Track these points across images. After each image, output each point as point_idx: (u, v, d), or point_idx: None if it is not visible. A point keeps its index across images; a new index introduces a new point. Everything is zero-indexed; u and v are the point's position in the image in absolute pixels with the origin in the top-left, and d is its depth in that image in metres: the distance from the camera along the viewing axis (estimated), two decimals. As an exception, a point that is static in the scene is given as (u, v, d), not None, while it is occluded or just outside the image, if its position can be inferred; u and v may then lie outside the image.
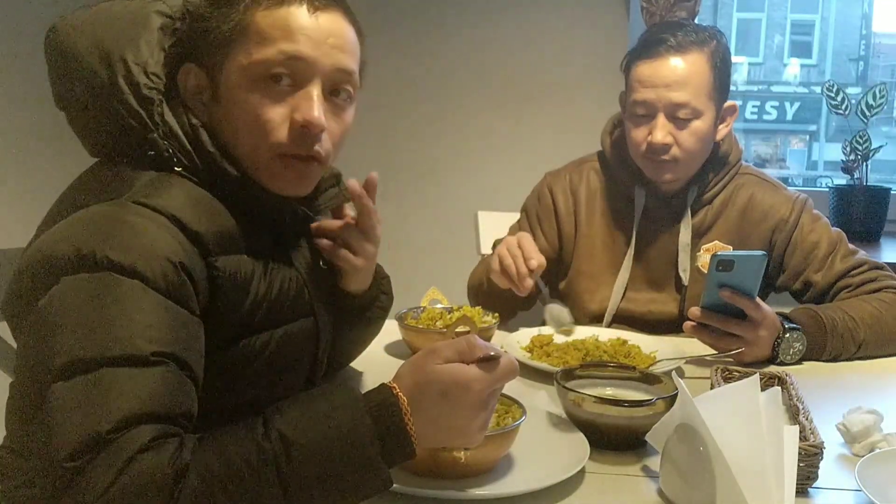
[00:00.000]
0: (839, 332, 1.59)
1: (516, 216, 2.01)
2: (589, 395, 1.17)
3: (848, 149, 2.68)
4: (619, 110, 1.90)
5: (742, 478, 0.94)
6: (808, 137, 5.48)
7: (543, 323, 1.69)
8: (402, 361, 0.95)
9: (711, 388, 1.28)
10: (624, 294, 1.82)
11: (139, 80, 1.05)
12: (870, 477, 1.01)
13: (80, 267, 0.91)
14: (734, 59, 1.81)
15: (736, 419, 1.00)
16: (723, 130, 1.80)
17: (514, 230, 1.97)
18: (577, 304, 1.86)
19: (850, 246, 1.79)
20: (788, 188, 1.87)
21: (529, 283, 1.62)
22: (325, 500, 0.85)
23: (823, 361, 1.60)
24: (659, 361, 1.50)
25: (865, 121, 2.66)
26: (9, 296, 0.98)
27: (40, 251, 0.94)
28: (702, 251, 1.81)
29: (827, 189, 2.79)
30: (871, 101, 2.66)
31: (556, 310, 1.68)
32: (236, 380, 1.07)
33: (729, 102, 1.79)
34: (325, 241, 1.24)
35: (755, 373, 1.19)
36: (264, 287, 1.08)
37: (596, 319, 1.84)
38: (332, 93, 1.10)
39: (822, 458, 1.05)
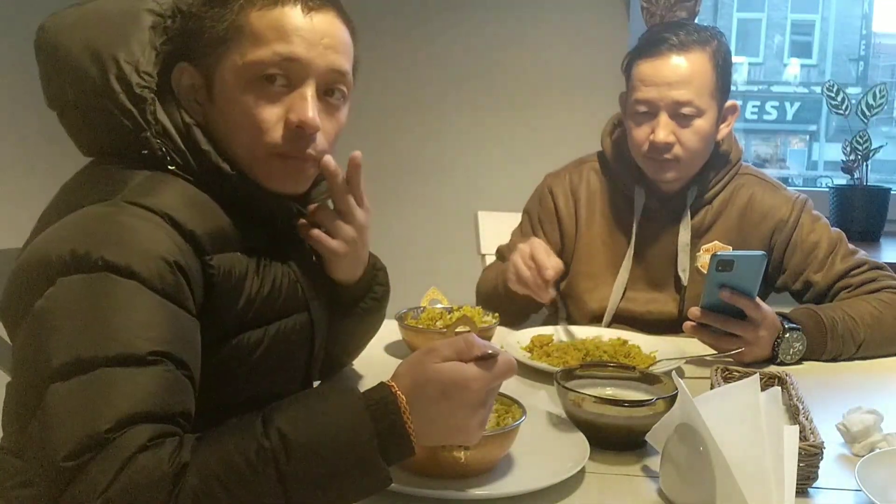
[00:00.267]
0: (839, 333, 1.59)
1: (516, 216, 2.01)
2: (589, 395, 1.17)
3: (848, 149, 2.68)
4: (619, 110, 1.90)
5: (742, 478, 0.94)
6: (808, 137, 5.48)
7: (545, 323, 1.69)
8: (401, 361, 0.95)
9: (711, 388, 1.28)
10: (623, 294, 1.82)
11: (131, 80, 1.05)
12: (870, 477, 1.01)
13: (76, 268, 0.91)
14: (734, 59, 1.81)
15: (736, 419, 1.00)
16: (724, 130, 1.80)
17: (516, 234, 1.97)
18: (576, 304, 1.86)
19: (850, 246, 1.79)
20: (788, 188, 1.87)
21: (550, 293, 1.61)
22: (324, 498, 0.85)
23: (823, 361, 1.60)
24: (659, 361, 1.50)
25: (865, 121, 2.66)
26: (5, 297, 0.98)
27: (35, 253, 0.94)
28: (701, 251, 1.81)
29: (827, 189, 2.79)
30: (871, 101, 2.66)
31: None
32: (232, 377, 1.07)
33: (730, 102, 1.79)
34: (303, 223, 1.20)
35: (755, 373, 1.19)
36: (258, 284, 1.08)
37: (595, 319, 1.84)
38: (327, 93, 1.11)
39: (822, 458, 1.05)
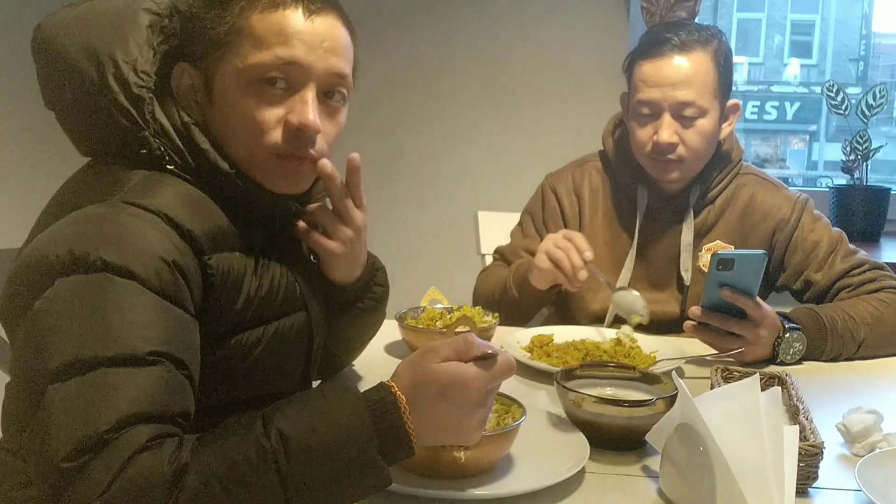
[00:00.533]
0: (839, 332, 1.59)
1: (516, 216, 2.00)
2: (589, 395, 1.17)
3: (848, 149, 2.68)
4: (619, 109, 1.90)
5: (742, 478, 0.94)
6: (808, 137, 5.48)
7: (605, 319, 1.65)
8: (401, 361, 0.95)
9: (711, 388, 1.28)
10: (625, 294, 1.82)
11: (129, 79, 1.05)
12: (870, 477, 1.01)
13: (75, 268, 0.91)
14: (734, 59, 1.81)
15: (736, 419, 1.00)
16: (726, 129, 1.80)
17: (516, 234, 1.96)
18: (578, 303, 1.86)
19: (851, 246, 1.79)
20: (789, 188, 1.87)
21: (584, 274, 1.60)
22: (324, 498, 0.86)
23: (823, 361, 1.60)
24: (659, 361, 1.50)
25: (865, 121, 2.66)
26: (4, 298, 0.98)
27: (34, 253, 0.94)
28: (703, 251, 1.81)
29: (827, 189, 2.79)
30: (871, 101, 2.66)
31: (627, 297, 1.65)
32: (232, 376, 1.07)
33: (732, 101, 1.79)
34: (301, 224, 1.19)
35: (755, 373, 1.19)
36: (256, 283, 1.08)
37: (597, 319, 1.84)
38: (327, 95, 1.11)
39: (822, 458, 1.05)
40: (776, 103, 5.36)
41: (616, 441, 1.16)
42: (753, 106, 5.26)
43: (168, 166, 1.04)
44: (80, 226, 0.95)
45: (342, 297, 1.29)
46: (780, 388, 1.11)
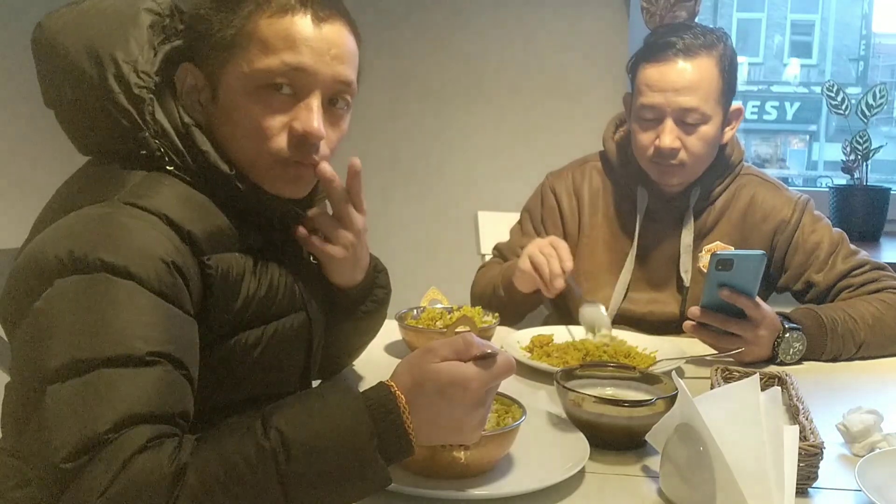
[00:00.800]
0: (839, 333, 1.59)
1: (516, 216, 2.01)
2: (589, 395, 1.17)
3: (848, 149, 2.67)
4: (620, 110, 1.90)
5: (742, 478, 0.94)
6: (808, 137, 5.48)
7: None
8: (400, 361, 0.95)
9: (711, 388, 1.28)
10: (625, 295, 1.82)
11: (130, 79, 1.04)
12: (870, 477, 1.01)
13: (74, 269, 0.91)
14: (734, 59, 1.81)
15: (736, 419, 1.00)
16: (729, 133, 1.80)
17: (515, 232, 1.96)
18: (578, 304, 1.86)
19: (852, 246, 1.78)
20: (790, 189, 1.87)
21: (561, 283, 1.61)
22: (324, 498, 0.86)
23: (823, 361, 1.60)
24: (659, 361, 1.50)
25: (865, 121, 2.65)
26: (3, 299, 0.98)
27: (33, 254, 0.94)
28: (704, 252, 1.80)
29: (827, 189, 2.78)
30: (871, 101, 2.66)
31: (592, 313, 1.65)
32: (231, 376, 1.07)
33: (735, 105, 1.79)
34: (301, 230, 1.19)
35: (755, 373, 1.19)
36: (255, 284, 1.08)
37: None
38: (331, 101, 1.11)
39: (822, 458, 1.05)
40: (776, 103, 5.36)
41: (616, 441, 1.16)
42: (753, 106, 5.27)
43: (168, 167, 1.04)
44: (80, 226, 0.95)
45: (345, 301, 1.29)
46: (780, 388, 1.11)
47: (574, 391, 1.19)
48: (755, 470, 0.96)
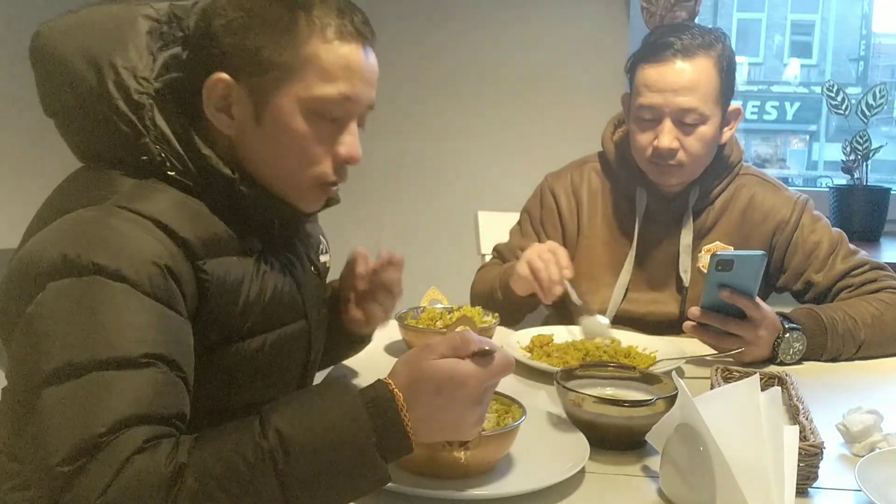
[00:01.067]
0: (839, 333, 1.59)
1: (516, 216, 2.00)
2: (589, 395, 1.17)
3: (848, 149, 2.67)
4: (619, 110, 1.89)
5: (742, 478, 0.94)
6: (808, 137, 5.48)
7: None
8: (398, 359, 0.96)
9: (711, 388, 1.28)
10: (625, 295, 1.82)
11: (129, 85, 1.04)
12: (870, 477, 1.01)
13: (67, 272, 0.90)
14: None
15: (736, 419, 1.00)
16: (727, 133, 1.80)
17: (514, 233, 1.96)
18: (577, 312, 1.85)
19: (851, 246, 1.78)
20: (789, 189, 1.87)
21: (559, 290, 1.61)
22: (322, 496, 0.86)
23: (823, 361, 1.60)
24: (659, 361, 1.50)
25: (865, 121, 2.65)
26: None
27: (26, 257, 0.94)
28: (703, 252, 1.80)
29: (827, 189, 2.78)
30: (871, 101, 2.66)
31: (593, 324, 1.64)
32: (230, 383, 1.07)
33: (734, 105, 1.78)
34: (356, 314, 1.33)
35: (755, 373, 1.19)
36: (256, 289, 1.08)
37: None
38: (359, 123, 1.13)
39: (822, 458, 1.05)
40: (776, 103, 5.36)
41: (616, 441, 1.16)
42: (753, 106, 5.27)
43: (169, 172, 1.04)
44: (73, 229, 0.95)
45: (353, 337, 1.37)
46: (780, 388, 1.11)
47: (574, 391, 1.19)
48: (755, 470, 0.96)
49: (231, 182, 1.06)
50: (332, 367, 1.46)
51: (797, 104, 5.39)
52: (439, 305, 1.70)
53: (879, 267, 1.75)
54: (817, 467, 1.05)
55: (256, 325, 1.08)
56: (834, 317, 1.60)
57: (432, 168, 2.95)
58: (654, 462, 1.11)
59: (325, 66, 1.04)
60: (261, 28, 1.04)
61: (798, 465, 1.00)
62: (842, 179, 2.82)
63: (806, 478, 1.04)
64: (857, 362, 1.61)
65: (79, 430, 0.82)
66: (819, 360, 1.60)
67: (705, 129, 1.71)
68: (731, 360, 1.55)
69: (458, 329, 1.00)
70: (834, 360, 1.60)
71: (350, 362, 1.47)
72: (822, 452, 1.05)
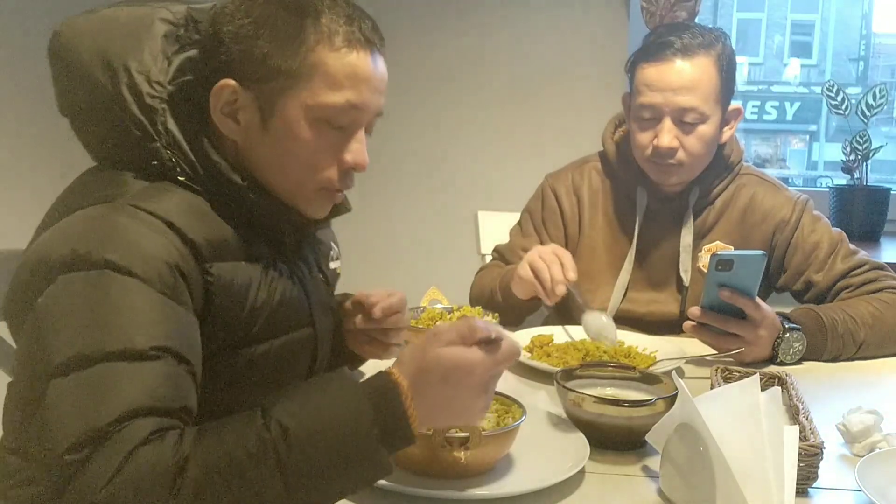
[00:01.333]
0: (839, 333, 1.59)
1: (516, 216, 2.00)
2: (589, 395, 1.17)
3: (848, 149, 2.67)
4: (620, 110, 1.90)
5: (742, 478, 0.94)
6: (808, 137, 5.48)
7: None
8: (406, 348, 0.96)
9: (711, 388, 1.28)
10: (625, 295, 1.82)
11: (142, 89, 1.04)
12: (870, 477, 1.01)
13: (76, 266, 0.91)
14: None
15: (736, 419, 1.00)
16: (727, 133, 1.80)
17: (515, 233, 1.96)
18: (580, 313, 1.85)
19: (851, 246, 1.79)
20: (789, 188, 1.87)
21: (562, 289, 1.60)
22: (325, 487, 0.86)
23: (823, 361, 1.60)
24: (659, 361, 1.50)
25: (865, 121, 2.65)
26: (8, 298, 0.99)
27: (37, 253, 0.95)
28: (703, 252, 1.80)
29: (827, 189, 2.78)
30: (871, 101, 2.66)
31: (598, 323, 1.63)
32: (236, 388, 1.07)
33: (734, 105, 1.78)
34: (370, 351, 1.34)
35: (755, 373, 1.19)
36: (264, 295, 1.08)
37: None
38: (366, 130, 1.12)
39: (822, 458, 1.05)
40: (776, 103, 5.36)
41: (616, 441, 1.16)
42: (753, 106, 5.26)
43: (179, 177, 1.04)
44: (83, 225, 0.96)
45: (357, 358, 1.38)
46: (780, 388, 1.11)
47: (574, 391, 1.19)
48: (755, 470, 0.96)
49: (239, 189, 1.06)
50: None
51: (797, 104, 5.39)
52: (439, 305, 1.70)
53: (879, 267, 1.75)
54: (817, 467, 1.05)
55: (263, 330, 1.08)
56: (834, 317, 1.60)
57: (432, 168, 2.95)
58: (654, 462, 1.11)
59: (331, 74, 1.04)
60: (268, 35, 1.03)
61: (798, 465, 1.00)
62: (842, 179, 2.82)
63: (806, 478, 1.04)
64: (857, 362, 1.61)
65: (86, 420, 0.82)
66: (819, 360, 1.60)
67: (705, 129, 1.71)
68: (731, 360, 1.55)
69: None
70: (834, 360, 1.60)
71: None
72: (822, 452, 1.05)
